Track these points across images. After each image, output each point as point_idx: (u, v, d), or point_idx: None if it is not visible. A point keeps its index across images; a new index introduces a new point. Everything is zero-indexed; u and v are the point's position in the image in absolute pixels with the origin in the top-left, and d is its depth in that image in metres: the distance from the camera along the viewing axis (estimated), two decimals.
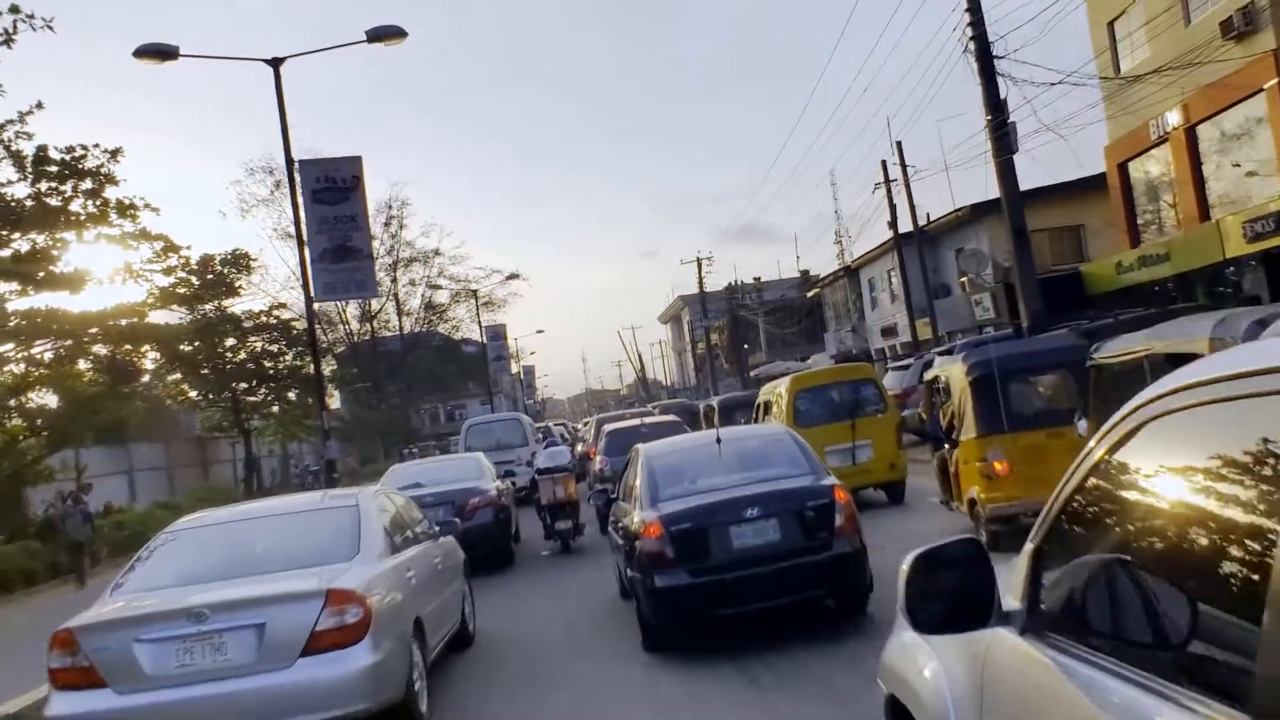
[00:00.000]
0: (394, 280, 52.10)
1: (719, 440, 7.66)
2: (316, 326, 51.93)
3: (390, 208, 50.47)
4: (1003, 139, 13.99)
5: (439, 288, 51.68)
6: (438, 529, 8.22)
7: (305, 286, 17.18)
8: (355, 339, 52.30)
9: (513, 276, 43.94)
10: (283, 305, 38.39)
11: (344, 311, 52.37)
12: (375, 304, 51.96)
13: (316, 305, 41.39)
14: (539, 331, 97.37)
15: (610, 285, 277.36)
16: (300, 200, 17.15)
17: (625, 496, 8.22)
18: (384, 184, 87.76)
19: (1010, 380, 8.67)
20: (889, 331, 36.37)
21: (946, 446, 9.70)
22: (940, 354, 11.89)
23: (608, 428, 17.41)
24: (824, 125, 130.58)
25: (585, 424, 40.00)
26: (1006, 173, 14.50)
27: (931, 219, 31.51)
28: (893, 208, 26.73)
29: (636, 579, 7.02)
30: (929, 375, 10.78)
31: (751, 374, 47.45)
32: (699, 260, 54.79)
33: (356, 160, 17.70)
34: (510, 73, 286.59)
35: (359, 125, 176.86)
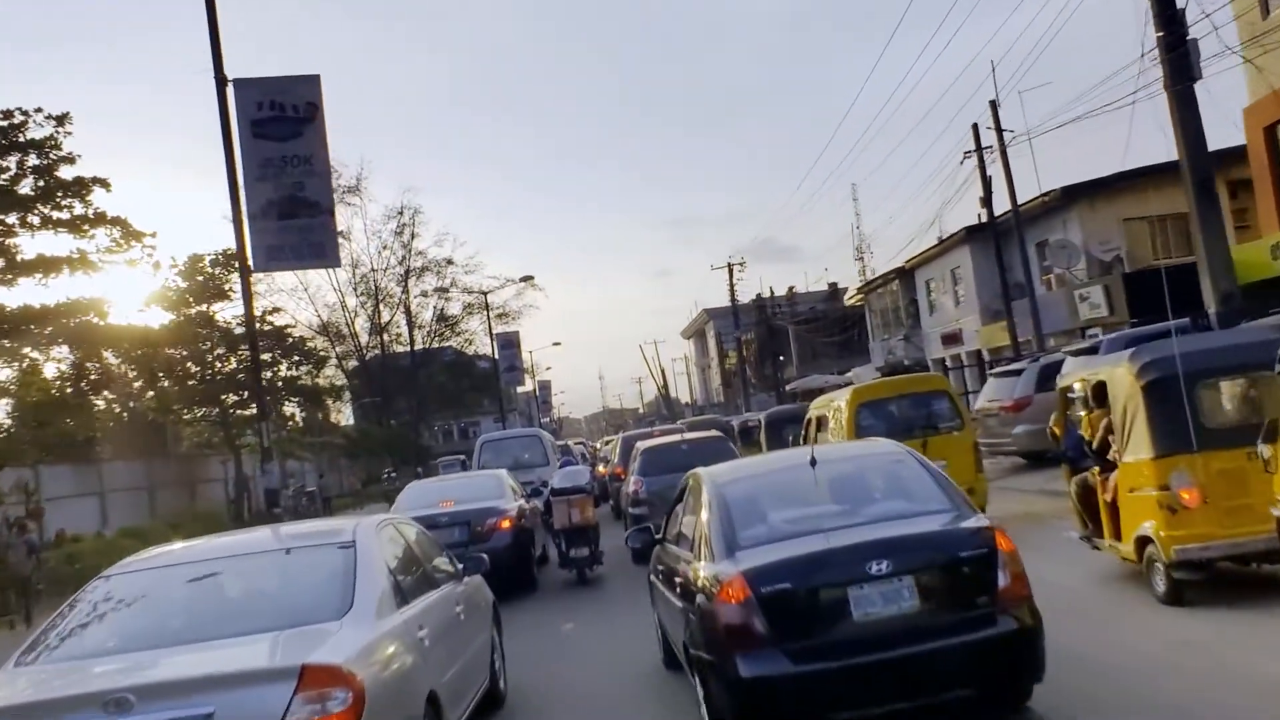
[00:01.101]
0: (405, 291, 52.10)
1: (814, 461, 5.88)
2: (324, 339, 51.89)
3: (402, 214, 50.58)
4: (1181, 62, 11.34)
5: (446, 289, 51.40)
6: (461, 567, 6.95)
7: (240, 250, 13.99)
8: (365, 352, 52.19)
9: (526, 279, 42.68)
10: (277, 310, 37.25)
11: (353, 324, 52.19)
12: (386, 313, 51.89)
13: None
14: (556, 343, 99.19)
15: (625, 305, 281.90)
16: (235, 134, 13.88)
17: (677, 538, 6.60)
18: (395, 190, 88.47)
19: (1199, 385, 7.06)
20: (952, 339, 34.20)
21: (1096, 469, 8.12)
22: (1076, 354, 9.92)
23: (642, 445, 16.32)
24: (852, 144, 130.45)
25: (607, 442, 39.08)
26: (1184, 106, 11.81)
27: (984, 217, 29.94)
28: (986, 182, 23.93)
29: (706, 661, 5.30)
30: (1063, 381, 9.23)
31: (787, 388, 45.88)
32: (730, 266, 53.26)
33: (313, 81, 14.26)
34: (522, 88, 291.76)
35: (366, 137, 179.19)
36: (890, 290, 40.56)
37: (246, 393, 34.12)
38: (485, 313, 46.95)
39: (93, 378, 24.29)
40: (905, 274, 38.24)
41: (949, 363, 34.71)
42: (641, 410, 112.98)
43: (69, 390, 22.35)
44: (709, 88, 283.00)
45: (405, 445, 50.19)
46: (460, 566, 6.93)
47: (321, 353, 38.38)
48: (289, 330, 36.28)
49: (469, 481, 14.45)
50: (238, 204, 14.05)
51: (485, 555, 7.36)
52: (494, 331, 47.55)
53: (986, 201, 23.95)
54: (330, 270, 53.61)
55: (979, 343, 31.84)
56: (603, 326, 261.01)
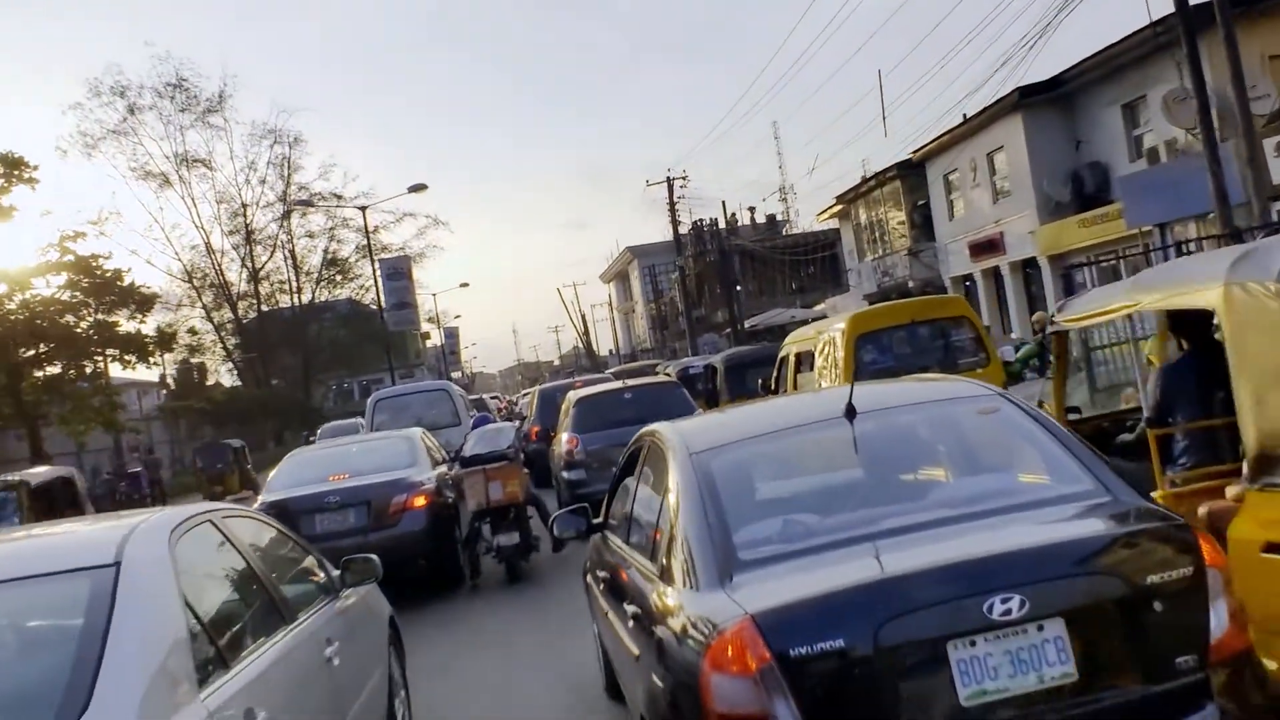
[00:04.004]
0: (287, 231, 50.06)
1: (851, 411, 4.12)
2: (188, 285, 49.30)
3: (276, 139, 48.29)
4: None
5: (314, 205, 48.49)
6: (338, 574, 5.45)
7: None
8: (236, 300, 50.11)
9: (417, 188, 38.18)
10: (80, 235, 33.25)
11: (221, 269, 49.46)
12: (263, 255, 49.89)
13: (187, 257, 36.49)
14: (463, 284, 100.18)
15: (539, 257, 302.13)
16: None
17: (627, 529, 5.17)
18: (268, 109, 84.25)
19: None
20: (986, 248, 30.52)
21: None
22: None
23: (575, 395, 15.72)
24: (769, 89, 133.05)
25: (524, 395, 37.30)
26: None
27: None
28: None
29: None
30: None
31: (746, 324, 43.60)
32: (669, 181, 50.13)
33: None
34: (429, 32, 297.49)
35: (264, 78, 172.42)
36: (883, 197, 37.50)
37: (45, 345, 30.44)
38: (366, 238, 43.70)
39: None
40: (911, 169, 34.56)
41: (979, 280, 31.51)
42: (557, 362, 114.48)
43: None
44: (618, 35, 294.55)
45: (289, 407, 48.35)
46: (336, 574, 5.43)
47: (144, 288, 34.55)
48: (97, 262, 32.37)
49: (371, 446, 13.00)
50: None
51: (376, 558, 5.59)
52: (378, 257, 44.38)
53: None
54: (190, 203, 50.37)
55: (1036, 248, 28.14)
56: (516, 279, 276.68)
